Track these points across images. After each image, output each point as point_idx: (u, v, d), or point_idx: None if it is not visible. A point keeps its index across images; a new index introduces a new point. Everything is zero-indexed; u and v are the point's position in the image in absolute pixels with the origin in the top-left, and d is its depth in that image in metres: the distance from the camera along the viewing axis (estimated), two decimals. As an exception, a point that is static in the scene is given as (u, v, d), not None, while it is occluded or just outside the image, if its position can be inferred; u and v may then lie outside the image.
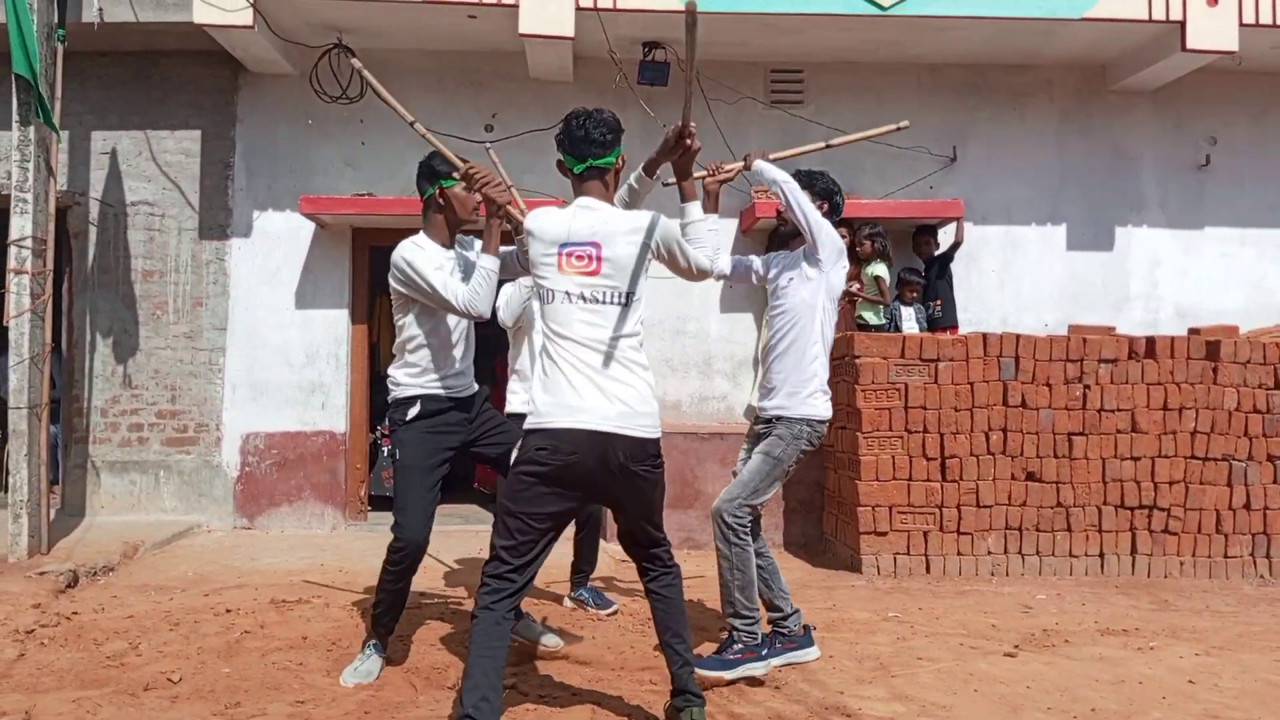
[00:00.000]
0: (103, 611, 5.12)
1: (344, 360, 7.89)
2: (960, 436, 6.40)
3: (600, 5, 6.95)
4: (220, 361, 7.87)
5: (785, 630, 4.40)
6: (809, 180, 4.56)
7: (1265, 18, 7.19)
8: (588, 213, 3.40)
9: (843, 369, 6.74)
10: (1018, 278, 8.24)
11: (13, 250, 6.27)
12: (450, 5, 7.00)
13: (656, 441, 3.37)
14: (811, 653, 4.43)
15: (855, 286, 7.56)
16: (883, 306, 7.68)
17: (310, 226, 7.87)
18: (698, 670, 3.74)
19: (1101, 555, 6.43)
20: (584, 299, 3.31)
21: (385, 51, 7.77)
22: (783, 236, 5.12)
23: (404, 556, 4.04)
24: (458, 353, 4.25)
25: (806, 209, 4.36)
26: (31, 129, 6.28)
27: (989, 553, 6.40)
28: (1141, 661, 4.59)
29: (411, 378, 4.16)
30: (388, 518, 6.31)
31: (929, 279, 7.89)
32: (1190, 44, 7.14)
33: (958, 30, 7.40)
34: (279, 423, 7.86)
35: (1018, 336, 6.54)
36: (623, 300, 3.33)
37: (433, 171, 4.17)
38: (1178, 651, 4.75)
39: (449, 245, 4.21)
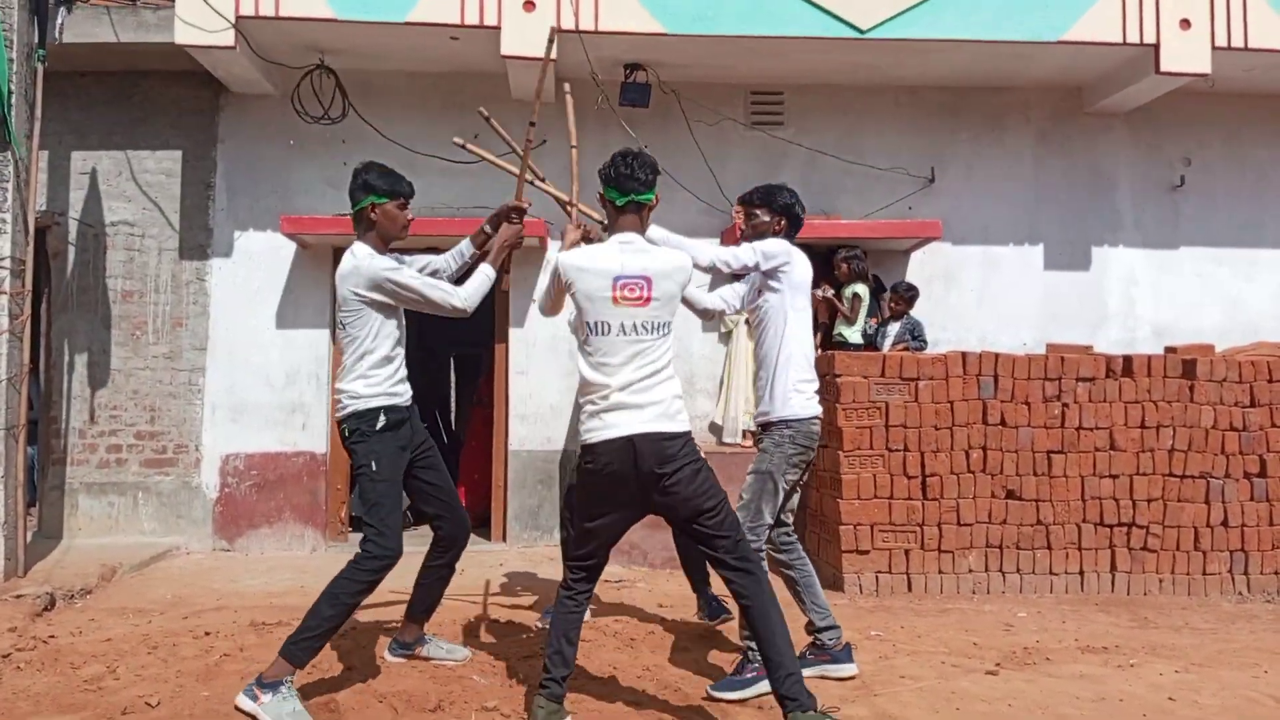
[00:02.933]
0: (80, 635, 5.08)
1: (325, 381, 7.87)
2: (941, 455, 6.43)
3: (582, 27, 6.99)
4: (200, 382, 7.83)
5: (822, 643, 4.51)
6: (766, 197, 4.55)
7: (1237, 41, 7.30)
8: (634, 246, 3.73)
9: (824, 388, 6.74)
10: (996, 297, 8.31)
11: (-9, 271, 6.24)
12: (432, 27, 7.03)
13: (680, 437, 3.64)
14: (849, 669, 4.48)
15: (830, 292, 7.67)
16: (862, 324, 7.72)
17: (291, 247, 7.86)
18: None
19: (1081, 573, 6.46)
20: (638, 327, 3.63)
21: (368, 72, 7.79)
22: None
23: (383, 568, 4.03)
24: (403, 363, 4.34)
25: (725, 258, 4.40)
26: (10, 150, 6.25)
27: (970, 571, 6.43)
28: (1122, 679, 4.61)
29: (372, 388, 4.16)
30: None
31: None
32: (1164, 67, 7.25)
33: (936, 53, 7.48)
34: (259, 443, 7.82)
35: (996, 355, 6.59)
36: (665, 331, 3.69)
37: (367, 185, 4.22)
38: (1157, 669, 4.78)
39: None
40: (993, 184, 8.35)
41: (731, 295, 4.67)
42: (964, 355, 6.58)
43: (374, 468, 4.09)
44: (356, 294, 4.11)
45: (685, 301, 4.30)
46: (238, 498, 7.79)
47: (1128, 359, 6.67)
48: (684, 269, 3.75)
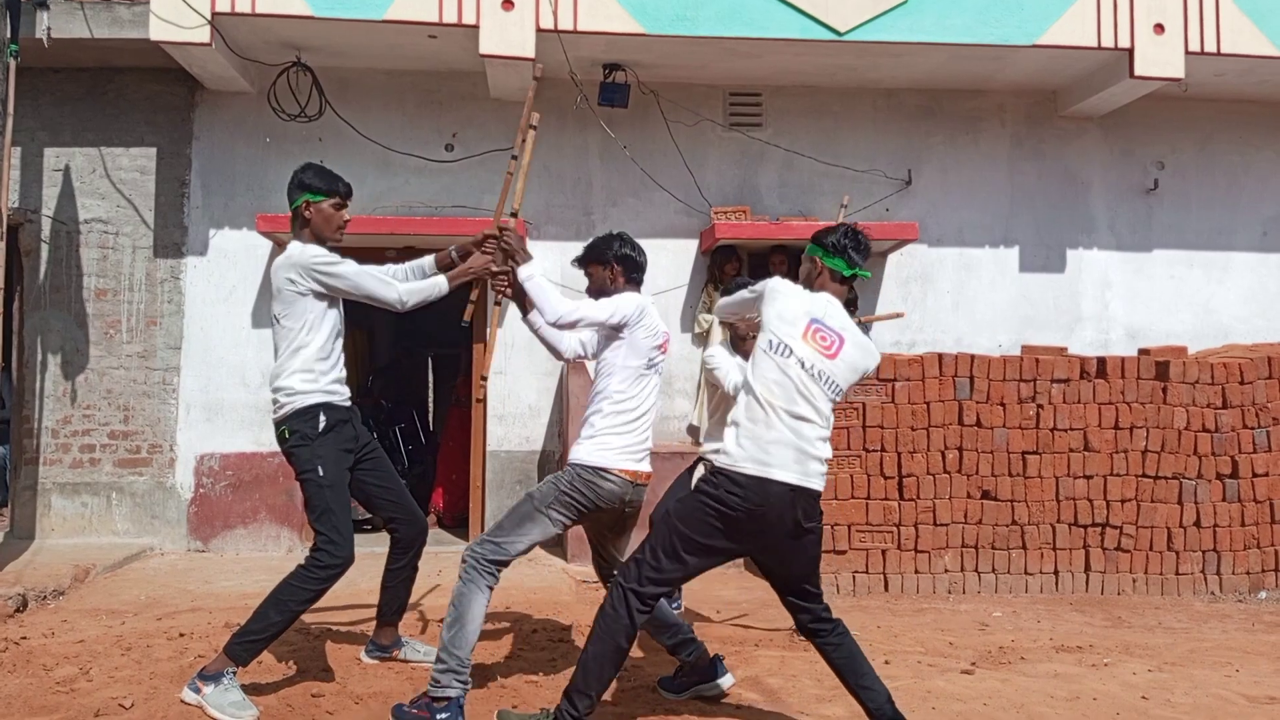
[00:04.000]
0: (53, 636, 5.03)
1: (301, 380, 7.81)
2: (917, 455, 6.47)
3: (561, 27, 6.98)
4: (174, 381, 7.77)
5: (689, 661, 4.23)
6: (595, 253, 4.25)
7: (1210, 46, 7.38)
8: (836, 308, 3.70)
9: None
10: (972, 299, 8.36)
11: (-38, 268, 6.16)
12: (411, 25, 6.99)
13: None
14: (725, 681, 4.23)
15: None
16: None
17: (267, 245, 7.81)
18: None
19: (1056, 572, 6.52)
20: (816, 373, 3.56)
21: (345, 70, 7.76)
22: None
23: (334, 575, 3.99)
24: (343, 360, 4.24)
25: (577, 318, 4.05)
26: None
27: (946, 571, 6.47)
28: (1096, 678, 4.65)
29: (310, 384, 4.04)
30: (346, 539, 6.07)
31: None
32: (1138, 71, 7.31)
33: (912, 56, 7.52)
34: (234, 444, 7.77)
35: (972, 357, 6.63)
36: (836, 396, 3.63)
37: (302, 184, 4.17)
38: (1131, 668, 4.82)
39: None
40: (968, 187, 8.40)
41: (589, 341, 4.32)
42: (940, 357, 6.62)
43: (320, 473, 4.01)
44: (291, 282, 4.02)
45: (542, 338, 4.28)
46: (212, 498, 7.73)
47: (1101, 361, 6.73)
48: (870, 365, 3.73)
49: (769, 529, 3.50)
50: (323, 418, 4.03)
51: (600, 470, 3.92)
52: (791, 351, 3.55)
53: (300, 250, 4.06)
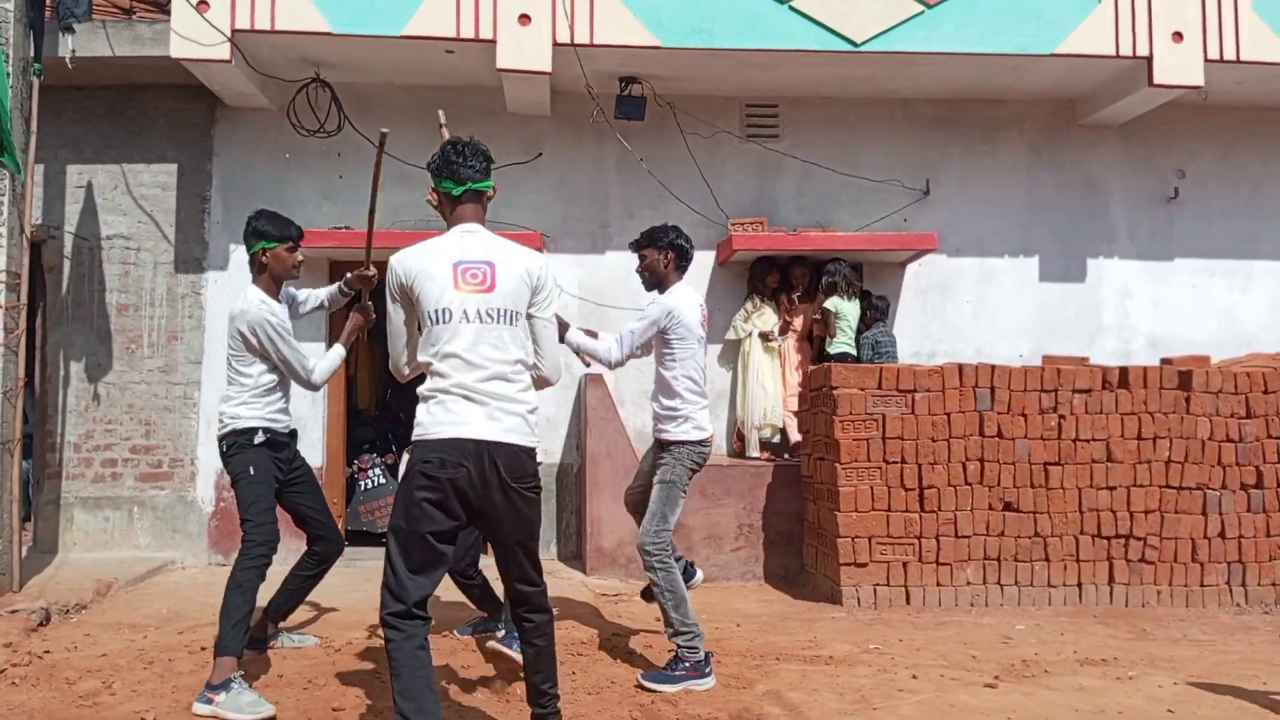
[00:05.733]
0: (75, 650, 5.05)
1: (321, 394, 7.82)
2: (938, 467, 6.43)
3: (577, 41, 7.00)
4: (195, 396, 7.81)
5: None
6: (650, 238, 4.95)
7: (1229, 54, 7.34)
8: (474, 235, 3.49)
9: (820, 400, 6.77)
10: (992, 309, 8.32)
11: (-14, 285, 6.22)
12: (429, 41, 7.04)
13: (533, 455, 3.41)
14: (707, 683, 4.56)
15: (816, 314, 7.76)
16: (847, 337, 7.69)
17: (287, 260, 7.84)
18: (644, 681, 4.53)
19: (1079, 585, 6.46)
20: (484, 315, 3.35)
21: (363, 86, 7.80)
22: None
23: (270, 552, 4.48)
24: (289, 392, 4.77)
25: (632, 346, 4.90)
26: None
27: (968, 583, 6.42)
28: (1121, 691, 4.61)
29: (253, 412, 4.58)
30: (366, 553, 6.37)
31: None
32: (1157, 79, 7.28)
33: (929, 66, 7.51)
34: (255, 457, 7.78)
35: (993, 367, 6.59)
36: (515, 322, 3.42)
37: (257, 232, 4.72)
38: (1156, 681, 4.77)
39: (277, 297, 4.74)
40: (987, 196, 8.37)
41: (627, 341, 4.95)
42: (960, 367, 6.59)
43: (251, 472, 4.52)
44: (241, 334, 4.56)
45: (581, 353, 5.00)
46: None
47: (1124, 371, 6.68)
48: (532, 270, 3.46)
49: (474, 490, 3.24)
50: (260, 435, 4.56)
51: (704, 441, 4.86)
52: (451, 313, 3.32)
53: (256, 307, 4.56)
